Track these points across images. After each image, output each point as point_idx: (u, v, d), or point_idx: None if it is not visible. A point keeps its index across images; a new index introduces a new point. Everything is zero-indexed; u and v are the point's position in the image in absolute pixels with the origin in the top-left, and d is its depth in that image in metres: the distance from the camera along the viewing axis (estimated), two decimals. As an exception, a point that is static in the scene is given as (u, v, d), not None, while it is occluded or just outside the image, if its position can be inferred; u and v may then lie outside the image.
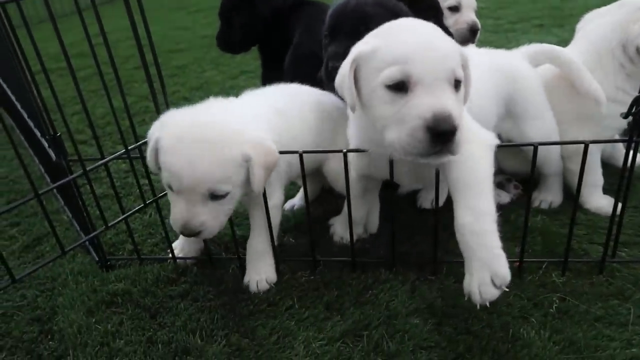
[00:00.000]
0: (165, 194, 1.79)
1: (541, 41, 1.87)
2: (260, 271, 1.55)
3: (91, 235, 1.63)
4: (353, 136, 1.45)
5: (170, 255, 1.69)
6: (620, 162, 2.00)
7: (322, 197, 2.04)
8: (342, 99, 1.42)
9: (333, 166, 1.70)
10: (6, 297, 1.61)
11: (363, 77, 1.24)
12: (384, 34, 1.25)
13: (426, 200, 1.91)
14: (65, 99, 3.46)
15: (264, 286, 1.53)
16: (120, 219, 1.68)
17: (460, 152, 1.14)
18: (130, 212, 1.73)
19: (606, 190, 1.80)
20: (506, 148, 1.77)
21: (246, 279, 1.56)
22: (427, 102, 1.12)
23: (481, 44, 2.17)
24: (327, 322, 1.39)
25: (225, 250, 1.77)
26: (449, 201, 1.30)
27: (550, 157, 1.78)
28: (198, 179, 1.30)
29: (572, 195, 1.73)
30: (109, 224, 1.66)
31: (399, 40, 1.19)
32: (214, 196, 1.34)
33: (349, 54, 1.27)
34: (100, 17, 1.43)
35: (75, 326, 1.43)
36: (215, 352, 1.31)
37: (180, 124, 1.37)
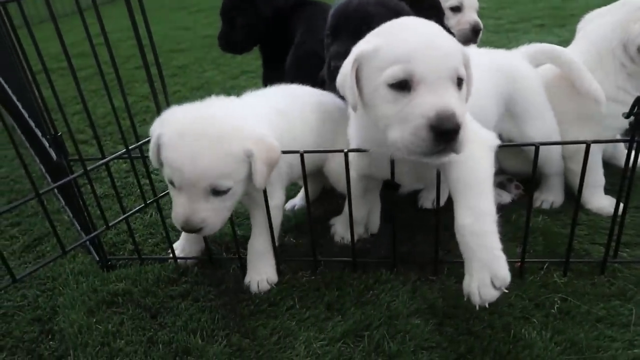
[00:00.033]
0: (166, 194, 1.79)
1: (542, 41, 1.87)
2: (261, 271, 1.55)
3: (92, 235, 1.63)
4: (354, 136, 1.45)
5: (171, 255, 1.69)
6: (622, 163, 1.99)
7: (323, 197, 2.04)
8: (343, 98, 1.42)
9: (334, 166, 1.70)
10: (7, 297, 1.61)
11: (365, 76, 1.24)
12: (385, 33, 1.24)
13: (427, 200, 1.91)
14: (66, 99, 3.46)
15: (264, 286, 1.53)
16: (120, 218, 1.68)
17: (463, 150, 1.14)
18: (131, 211, 1.73)
19: (608, 191, 1.80)
20: (507, 148, 1.77)
21: (247, 279, 1.56)
22: (430, 100, 1.12)
23: (482, 44, 2.17)
24: (328, 322, 1.38)
25: (226, 250, 1.77)
26: (450, 201, 1.30)
27: (551, 157, 1.77)
28: (200, 173, 1.29)
29: (573, 195, 1.73)
30: (110, 224, 1.66)
31: (401, 39, 1.19)
32: (216, 192, 1.33)
33: (350, 54, 1.27)
34: (101, 17, 1.43)
35: (76, 326, 1.43)
36: (216, 353, 1.31)
37: (182, 120, 1.37)
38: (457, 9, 2.18)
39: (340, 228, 1.76)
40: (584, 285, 1.44)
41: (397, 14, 1.46)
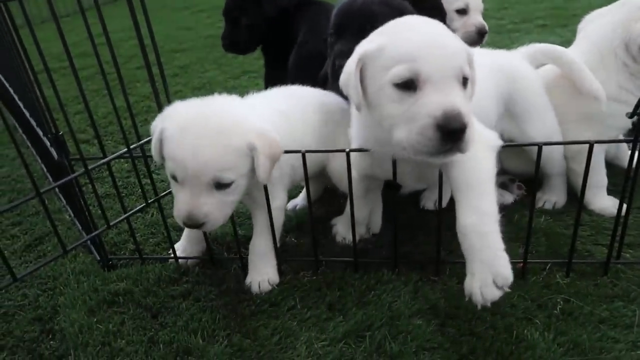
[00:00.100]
0: (167, 194, 1.79)
1: (544, 41, 1.87)
2: (262, 272, 1.54)
3: (93, 234, 1.63)
4: (355, 136, 1.45)
5: (172, 255, 1.69)
6: (625, 163, 1.98)
7: (324, 197, 2.03)
8: (346, 97, 1.41)
9: (336, 166, 1.69)
10: (7, 297, 1.60)
11: (369, 75, 1.23)
12: (390, 32, 1.24)
13: (429, 201, 1.90)
14: (68, 99, 3.47)
15: (266, 287, 1.52)
16: (121, 218, 1.68)
17: (468, 150, 1.14)
18: (132, 211, 1.73)
19: (610, 191, 1.79)
20: (508, 148, 1.76)
21: (248, 279, 1.55)
22: (437, 100, 1.12)
23: (484, 45, 2.17)
24: (330, 323, 1.38)
25: (227, 250, 1.76)
26: (452, 201, 1.29)
27: (552, 157, 1.77)
28: (202, 166, 1.29)
29: (576, 196, 1.72)
30: (111, 224, 1.66)
31: (406, 38, 1.18)
32: (219, 185, 1.33)
33: (354, 53, 1.26)
34: (103, 16, 1.43)
35: (77, 326, 1.42)
36: (217, 353, 1.31)
37: (185, 114, 1.37)
38: (463, 12, 2.18)
39: (341, 228, 1.76)
40: (587, 286, 1.44)
41: (401, 13, 1.46)
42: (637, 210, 1.72)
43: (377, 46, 1.20)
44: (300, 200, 1.99)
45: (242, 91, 1.70)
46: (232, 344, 1.34)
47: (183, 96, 1.46)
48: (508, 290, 1.17)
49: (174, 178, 1.35)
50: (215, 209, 1.34)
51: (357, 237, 1.58)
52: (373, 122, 1.29)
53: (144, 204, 1.73)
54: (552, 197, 1.85)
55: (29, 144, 2.62)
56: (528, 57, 1.82)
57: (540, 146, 1.33)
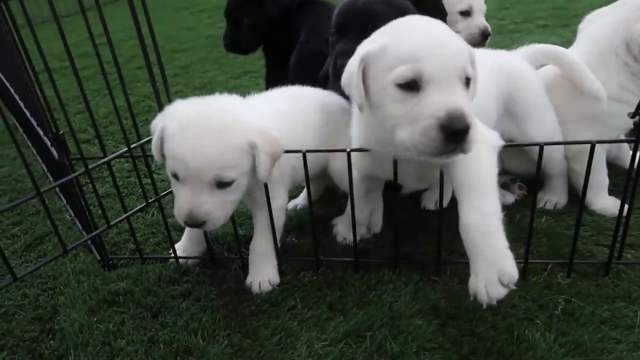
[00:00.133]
0: (167, 193, 1.79)
1: (546, 42, 1.86)
2: (263, 272, 1.54)
3: (93, 234, 1.63)
4: (357, 135, 1.44)
5: (173, 254, 1.68)
6: (626, 163, 1.98)
7: (325, 197, 2.03)
8: (347, 97, 1.41)
9: (337, 166, 1.69)
10: (8, 296, 1.60)
11: (372, 75, 1.22)
12: (392, 32, 1.23)
13: (430, 201, 1.90)
14: (68, 98, 3.47)
15: (266, 287, 1.52)
16: (122, 217, 1.68)
17: (471, 150, 1.13)
18: (133, 211, 1.73)
19: (612, 192, 1.79)
20: (509, 148, 1.76)
21: (248, 279, 1.55)
22: (440, 100, 1.11)
23: (485, 45, 2.16)
24: (330, 323, 1.38)
25: (227, 250, 1.76)
26: (453, 201, 1.29)
27: (553, 157, 1.76)
28: (204, 164, 1.29)
29: (577, 196, 1.72)
30: (111, 223, 1.66)
31: (409, 38, 1.18)
32: (220, 184, 1.32)
33: (355, 52, 1.26)
34: (104, 16, 1.43)
35: (77, 325, 1.42)
36: (217, 353, 1.30)
37: (187, 112, 1.37)
38: (466, 13, 2.18)
39: (342, 228, 1.75)
40: (588, 286, 1.43)
41: (403, 12, 1.46)
42: (638, 211, 1.72)
43: (379, 46, 1.20)
44: (301, 200, 1.99)
45: (242, 91, 1.70)
46: (232, 344, 1.34)
47: (184, 96, 1.46)
48: (514, 287, 1.17)
49: (175, 177, 1.35)
50: (216, 208, 1.34)
51: (358, 237, 1.58)
52: (375, 122, 1.28)
53: (144, 204, 1.73)
54: (553, 197, 1.84)
55: (30, 144, 2.62)
56: (528, 58, 1.81)
57: (541, 146, 1.33)
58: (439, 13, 2.05)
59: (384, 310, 1.39)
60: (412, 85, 1.14)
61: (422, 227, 1.78)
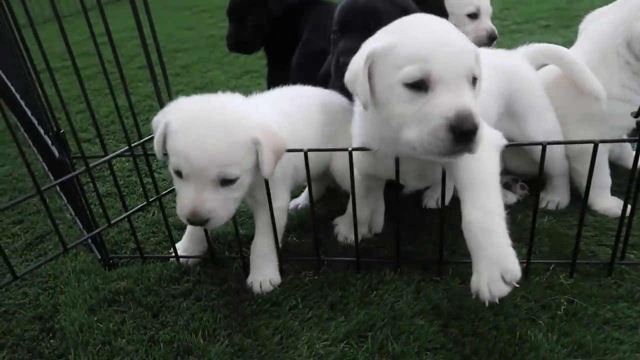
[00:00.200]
0: (168, 192, 1.79)
1: (547, 42, 1.85)
2: (264, 272, 1.54)
3: (94, 232, 1.62)
4: (359, 134, 1.43)
5: (173, 254, 1.68)
6: (628, 163, 1.98)
7: (326, 196, 2.03)
8: (348, 96, 1.40)
9: (339, 165, 1.69)
10: (8, 295, 1.60)
11: (378, 73, 1.21)
12: (399, 30, 1.22)
13: (431, 200, 1.89)
14: (70, 98, 3.47)
15: (267, 287, 1.51)
16: (123, 216, 1.67)
17: (478, 150, 1.13)
18: (133, 209, 1.73)
19: (614, 192, 1.78)
20: (512, 148, 1.75)
21: (249, 279, 1.55)
22: (449, 100, 1.11)
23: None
24: (331, 323, 1.37)
25: (228, 250, 1.76)
26: (455, 201, 1.29)
27: (553, 157, 1.76)
28: (208, 161, 1.28)
29: (579, 196, 1.71)
30: (112, 222, 1.66)
31: (416, 37, 1.17)
32: (224, 181, 1.32)
33: (360, 50, 1.25)
34: (106, 16, 1.43)
35: (77, 324, 1.42)
36: (218, 352, 1.30)
37: (190, 109, 1.36)
38: (474, 16, 2.17)
39: (343, 228, 1.75)
40: (591, 286, 1.43)
41: (405, 11, 1.45)
42: (641, 211, 1.71)
43: (386, 44, 1.19)
44: (302, 199, 1.99)
45: (244, 91, 1.69)
46: (233, 343, 1.33)
47: (185, 95, 1.45)
48: (516, 285, 1.16)
49: (178, 174, 1.34)
50: (220, 206, 1.33)
51: (359, 237, 1.57)
52: (379, 121, 1.27)
53: (145, 203, 1.73)
54: (556, 197, 1.84)
55: (31, 143, 2.62)
56: (528, 57, 1.81)
57: (544, 146, 1.32)
58: (440, 13, 2.04)
59: (386, 310, 1.39)
60: (420, 85, 1.14)
61: (423, 226, 1.77)
